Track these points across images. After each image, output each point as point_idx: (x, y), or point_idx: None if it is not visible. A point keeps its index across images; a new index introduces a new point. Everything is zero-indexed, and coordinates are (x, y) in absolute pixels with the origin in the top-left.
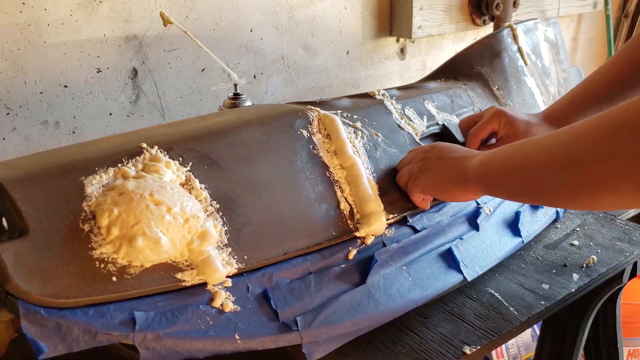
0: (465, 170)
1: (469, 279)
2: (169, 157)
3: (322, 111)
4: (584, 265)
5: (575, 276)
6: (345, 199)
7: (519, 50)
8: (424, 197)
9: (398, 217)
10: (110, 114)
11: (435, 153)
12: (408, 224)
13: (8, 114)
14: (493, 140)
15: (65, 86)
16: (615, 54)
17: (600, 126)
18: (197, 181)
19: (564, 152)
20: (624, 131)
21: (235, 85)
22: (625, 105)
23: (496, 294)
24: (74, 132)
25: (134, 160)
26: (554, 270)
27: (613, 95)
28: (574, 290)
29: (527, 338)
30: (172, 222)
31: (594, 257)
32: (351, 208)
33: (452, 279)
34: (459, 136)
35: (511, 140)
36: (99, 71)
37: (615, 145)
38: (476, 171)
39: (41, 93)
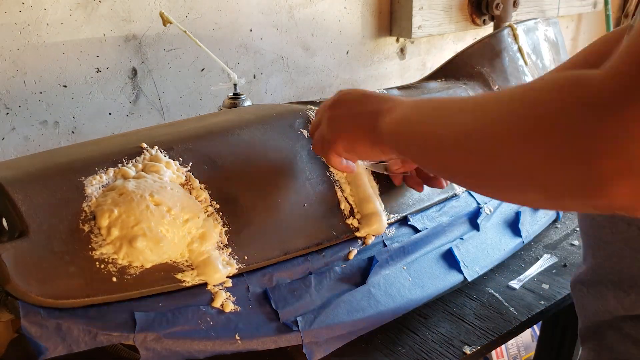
0: (380, 132)
1: (469, 279)
2: (169, 157)
3: None
4: None
5: None
6: (346, 199)
7: (519, 50)
8: (346, 161)
9: (398, 217)
10: (110, 114)
11: (343, 108)
12: (408, 224)
13: (7, 113)
14: None
15: (65, 86)
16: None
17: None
18: (197, 181)
19: (472, 137)
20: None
21: (235, 85)
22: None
23: (496, 294)
24: (73, 132)
25: (134, 160)
26: (554, 270)
27: None
28: None
29: (527, 338)
30: (172, 222)
31: None
32: (352, 208)
33: (452, 279)
34: None
35: None
36: (98, 71)
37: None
38: (390, 135)
39: (40, 93)
